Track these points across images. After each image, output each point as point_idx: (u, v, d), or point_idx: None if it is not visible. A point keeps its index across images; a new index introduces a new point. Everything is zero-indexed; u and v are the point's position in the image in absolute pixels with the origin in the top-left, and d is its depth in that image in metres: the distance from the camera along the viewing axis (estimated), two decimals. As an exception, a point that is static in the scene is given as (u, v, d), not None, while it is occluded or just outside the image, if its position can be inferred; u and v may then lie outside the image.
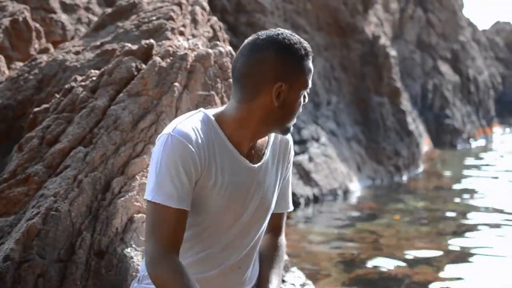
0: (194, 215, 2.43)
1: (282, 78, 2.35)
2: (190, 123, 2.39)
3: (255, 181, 2.48)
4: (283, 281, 4.61)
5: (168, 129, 2.37)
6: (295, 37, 2.41)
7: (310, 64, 2.43)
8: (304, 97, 2.45)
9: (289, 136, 2.62)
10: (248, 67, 2.38)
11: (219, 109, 2.49)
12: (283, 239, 2.75)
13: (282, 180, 2.63)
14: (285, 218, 2.77)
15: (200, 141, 2.35)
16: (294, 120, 2.45)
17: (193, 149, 2.32)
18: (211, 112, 2.47)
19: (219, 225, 2.46)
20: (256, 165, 2.47)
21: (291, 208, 2.75)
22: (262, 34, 2.41)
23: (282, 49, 2.37)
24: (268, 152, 2.53)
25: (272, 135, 2.56)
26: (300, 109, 2.45)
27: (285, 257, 4.73)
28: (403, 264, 6.56)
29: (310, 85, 2.42)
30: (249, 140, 2.44)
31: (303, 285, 4.92)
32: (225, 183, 2.40)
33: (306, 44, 2.43)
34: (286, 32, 2.40)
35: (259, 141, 2.50)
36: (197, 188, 2.38)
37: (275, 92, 2.35)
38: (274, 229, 2.72)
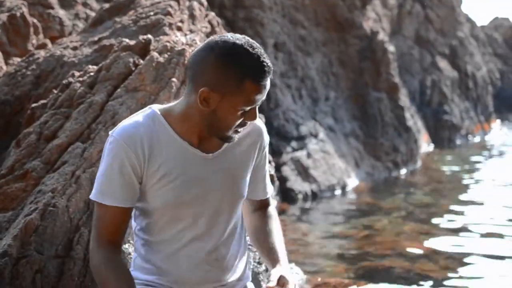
0: (153, 212, 2.46)
1: (212, 85, 2.30)
2: (133, 121, 2.42)
3: (212, 170, 2.46)
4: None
5: (114, 129, 2.43)
6: (254, 52, 2.29)
7: (260, 84, 2.30)
8: (250, 113, 2.37)
9: (261, 124, 2.60)
10: (191, 63, 2.38)
11: (169, 104, 2.51)
12: (271, 210, 2.74)
13: (257, 168, 2.61)
14: (269, 198, 2.76)
15: (139, 139, 2.37)
16: (232, 131, 2.39)
17: (130, 149, 2.35)
18: (160, 107, 2.48)
19: (181, 218, 2.46)
20: (211, 154, 2.46)
21: (269, 195, 2.73)
22: (225, 36, 2.35)
23: (224, 56, 2.29)
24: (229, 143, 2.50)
25: None
26: (240, 123, 2.37)
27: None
28: (401, 259, 6.55)
29: (254, 104, 2.33)
30: (197, 134, 2.43)
31: (301, 281, 4.92)
32: (175, 175, 2.40)
33: (263, 63, 2.30)
34: (248, 44, 2.30)
35: None
36: (146, 185, 2.41)
37: (200, 96, 2.32)
38: (261, 207, 2.71)
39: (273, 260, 2.53)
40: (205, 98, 2.32)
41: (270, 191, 2.74)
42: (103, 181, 2.38)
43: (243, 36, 2.35)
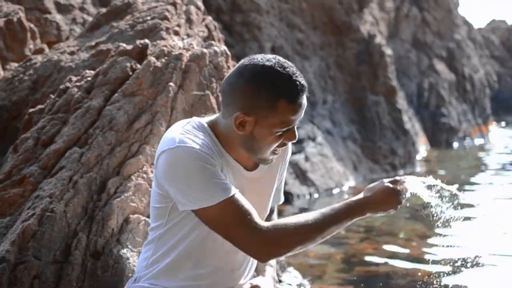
0: (186, 218, 2.43)
1: (245, 109, 2.31)
2: (189, 132, 2.37)
3: (251, 188, 2.48)
4: (280, 281, 4.60)
5: (168, 143, 2.34)
6: (285, 72, 2.29)
7: (294, 104, 2.30)
8: (289, 134, 2.36)
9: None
10: (225, 86, 2.38)
11: (210, 117, 2.50)
12: (274, 217, 2.80)
13: (278, 182, 2.67)
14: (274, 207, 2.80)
15: (205, 144, 2.35)
16: (268, 154, 2.40)
17: (205, 151, 2.31)
18: (205, 120, 2.47)
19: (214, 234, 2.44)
20: (251, 173, 2.48)
21: (282, 200, 2.78)
22: (256, 57, 2.34)
23: (254, 80, 2.29)
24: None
25: None
26: (279, 144, 2.38)
27: (282, 257, 4.73)
28: (400, 261, 6.55)
29: (291, 124, 2.33)
30: (238, 152, 2.43)
31: (299, 285, 4.92)
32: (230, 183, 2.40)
33: (296, 82, 2.29)
34: (278, 64, 2.29)
35: None
36: None
37: (235, 120, 2.32)
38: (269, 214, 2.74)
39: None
40: (240, 123, 2.33)
41: (282, 198, 2.79)
42: (214, 182, 2.30)
43: (274, 56, 2.34)
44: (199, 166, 2.28)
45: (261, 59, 2.32)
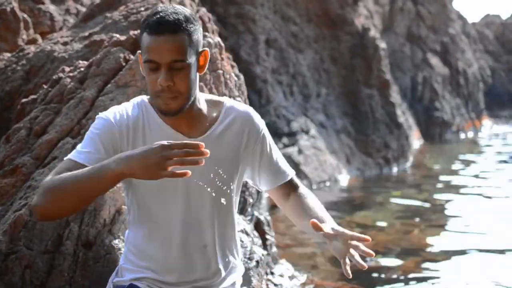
0: (141, 198, 2.49)
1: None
2: (120, 106, 2.52)
3: None
4: (272, 272, 4.61)
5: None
6: (157, 10, 2.38)
7: (152, 35, 2.35)
8: (159, 73, 2.37)
9: (248, 111, 2.63)
10: None
11: None
12: (304, 189, 2.76)
13: (253, 161, 2.63)
14: (295, 180, 2.75)
15: (124, 118, 2.45)
16: (157, 101, 2.41)
17: (113, 121, 2.43)
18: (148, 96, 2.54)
19: (162, 201, 2.48)
20: (195, 138, 2.48)
21: (291, 174, 2.74)
22: None
23: (145, 17, 2.42)
24: (216, 128, 2.54)
25: (227, 113, 2.58)
26: (159, 88, 2.38)
27: (274, 249, 4.74)
28: (392, 256, 6.57)
29: (151, 55, 2.35)
30: (176, 120, 2.47)
31: (292, 277, 4.93)
32: None
33: (157, 15, 2.36)
34: (163, 7, 2.40)
35: (207, 118, 2.53)
36: None
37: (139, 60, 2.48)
38: (290, 192, 2.71)
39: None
40: (140, 62, 2.45)
41: (291, 172, 2.75)
42: (83, 145, 2.42)
43: (182, 10, 2.41)
44: (92, 133, 2.43)
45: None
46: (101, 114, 2.48)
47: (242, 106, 2.64)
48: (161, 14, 2.35)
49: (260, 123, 2.65)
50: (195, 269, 2.53)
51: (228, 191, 2.57)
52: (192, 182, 2.47)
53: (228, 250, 2.62)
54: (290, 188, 2.71)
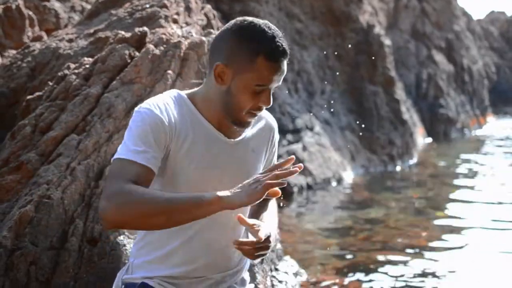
0: (170, 184, 2.43)
1: (226, 60, 2.34)
2: (160, 99, 2.42)
3: (232, 155, 2.48)
4: (276, 269, 4.61)
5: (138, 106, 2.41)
6: (270, 31, 2.32)
7: (272, 62, 2.31)
8: (264, 95, 2.35)
9: (273, 121, 2.64)
10: (212, 44, 2.43)
11: (193, 89, 2.52)
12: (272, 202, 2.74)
13: (267, 163, 2.64)
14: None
15: (170, 111, 2.37)
16: (246, 114, 2.39)
17: (161, 116, 2.33)
18: (185, 91, 2.49)
19: None
20: (233, 140, 2.47)
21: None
22: (248, 17, 2.39)
23: (239, 32, 2.33)
24: (249, 131, 2.53)
25: (259, 117, 2.55)
26: (254, 106, 2.36)
27: (279, 245, 4.74)
28: (396, 253, 6.57)
29: (267, 83, 2.32)
30: (219, 118, 2.44)
31: (296, 273, 4.93)
32: (200, 155, 2.41)
33: (278, 42, 2.31)
34: (266, 25, 2.33)
35: None
36: (170, 160, 2.39)
37: (214, 70, 2.35)
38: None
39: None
40: (219, 73, 2.35)
41: None
42: (136, 142, 2.30)
43: (267, 21, 2.37)
44: (142, 128, 2.31)
45: (252, 18, 2.37)
46: (145, 107, 2.36)
47: (267, 112, 2.63)
48: (278, 39, 2.32)
49: (278, 135, 2.69)
50: (214, 267, 2.52)
51: None
52: (225, 182, 2.45)
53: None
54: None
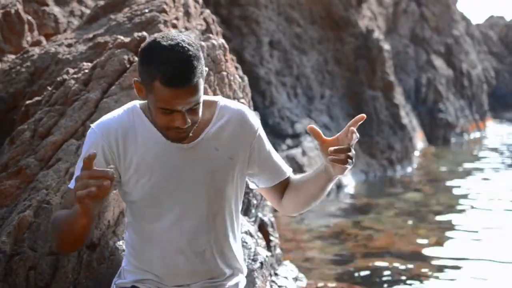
0: (136, 204, 2.48)
1: (140, 78, 2.34)
2: (112, 114, 2.48)
3: (189, 160, 2.45)
4: (276, 274, 4.61)
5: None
6: (170, 53, 2.22)
7: (169, 88, 2.23)
8: (176, 116, 2.30)
9: (243, 111, 2.57)
10: None
11: None
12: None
13: (251, 159, 2.59)
14: (291, 176, 2.72)
15: (114, 130, 2.41)
16: (168, 132, 2.37)
17: (104, 138, 2.40)
18: (142, 102, 2.49)
19: (157, 209, 2.46)
20: (186, 145, 2.45)
21: (288, 172, 2.70)
22: (167, 33, 2.32)
23: (141, 51, 2.31)
24: (209, 130, 2.49)
25: (220, 114, 2.52)
26: (174, 125, 2.32)
27: (278, 250, 4.73)
28: (396, 259, 6.56)
29: (172, 107, 2.27)
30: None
31: (295, 278, 4.92)
32: (152, 165, 2.42)
33: (174, 67, 2.22)
34: (171, 45, 2.23)
35: (200, 121, 2.43)
36: (124, 177, 2.45)
37: (135, 85, 2.38)
38: (287, 186, 2.69)
39: (320, 167, 2.57)
40: (138, 89, 2.36)
41: (289, 170, 2.72)
42: (78, 169, 2.33)
43: (182, 39, 2.26)
44: (86, 148, 2.44)
45: (165, 36, 2.29)
46: (91, 128, 2.45)
47: (236, 104, 2.58)
48: (176, 64, 2.22)
49: (255, 121, 2.59)
50: (196, 273, 2.52)
51: (225, 193, 2.53)
52: (187, 188, 2.46)
53: (228, 253, 2.59)
54: (286, 183, 2.69)
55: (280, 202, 2.69)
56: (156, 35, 2.35)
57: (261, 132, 2.62)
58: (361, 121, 2.47)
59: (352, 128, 2.40)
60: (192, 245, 2.50)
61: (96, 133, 2.42)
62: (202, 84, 2.30)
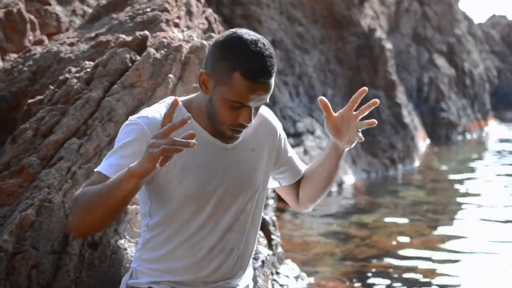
0: (176, 203, 2.43)
1: (209, 69, 2.35)
2: (154, 108, 2.43)
3: (232, 159, 2.47)
4: (277, 273, 4.61)
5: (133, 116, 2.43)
6: (255, 49, 2.27)
7: (250, 81, 2.27)
8: (243, 113, 2.32)
9: (267, 114, 2.62)
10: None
11: (191, 95, 2.52)
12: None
13: (278, 159, 2.65)
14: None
15: (158, 124, 2.29)
16: (228, 129, 2.38)
17: (147, 130, 2.33)
18: (182, 98, 2.49)
19: (197, 208, 2.45)
20: (231, 144, 2.47)
21: (304, 166, 2.78)
22: (243, 30, 2.35)
23: (223, 44, 2.33)
24: (246, 134, 2.51)
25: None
26: (235, 123, 2.34)
27: (280, 249, 4.74)
28: (397, 258, 6.56)
29: (245, 101, 2.29)
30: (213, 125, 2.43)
31: (297, 277, 4.93)
32: (197, 164, 2.41)
33: (260, 62, 2.27)
34: (253, 41, 2.28)
35: None
36: (166, 175, 2.39)
37: (199, 77, 2.36)
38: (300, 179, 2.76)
39: (328, 146, 2.68)
40: (203, 81, 2.36)
41: (304, 167, 2.79)
42: (115, 157, 2.32)
43: (261, 37, 2.33)
44: (128, 140, 2.34)
45: (245, 32, 2.33)
46: (133, 120, 2.38)
47: (262, 107, 2.60)
48: (260, 58, 2.27)
49: (278, 122, 2.69)
50: (219, 271, 2.51)
51: (258, 193, 2.57)
52: (228, 188, 2.46)
53: (249, 252, 2.62)
54: (301, 177, 2.76)
55: (298, 197, 2.75)
56: (232, 30, 2.36)
57: (283, 131, 2.71)
58: (364, 94, 2.62)
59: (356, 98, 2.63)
60: (224, 244, 2.50)
61: (142, 127, 2.35)
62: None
